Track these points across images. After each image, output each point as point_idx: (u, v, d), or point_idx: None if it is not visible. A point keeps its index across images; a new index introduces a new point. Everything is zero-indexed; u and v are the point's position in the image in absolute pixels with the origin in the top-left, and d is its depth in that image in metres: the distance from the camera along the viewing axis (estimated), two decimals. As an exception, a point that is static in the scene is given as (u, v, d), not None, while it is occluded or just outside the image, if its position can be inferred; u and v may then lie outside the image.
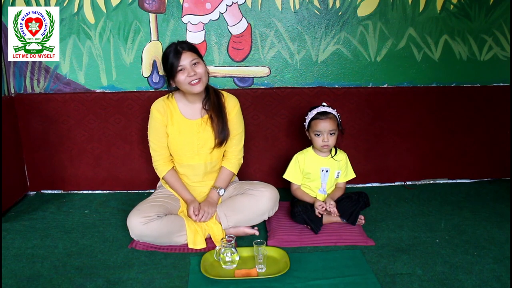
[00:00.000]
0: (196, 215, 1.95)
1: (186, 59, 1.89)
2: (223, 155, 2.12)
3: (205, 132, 2.02)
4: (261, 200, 1.99)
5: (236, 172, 2.13)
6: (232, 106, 2.06)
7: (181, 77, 1.90)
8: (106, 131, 2.52)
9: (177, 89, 2.03)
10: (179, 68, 1.89)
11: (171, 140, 2.03)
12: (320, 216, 2.03)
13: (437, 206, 2.35)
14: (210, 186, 2.10)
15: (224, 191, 2.08)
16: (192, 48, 1.94)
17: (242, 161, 2.14)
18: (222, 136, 2.01)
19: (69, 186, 2.61)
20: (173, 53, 1.89)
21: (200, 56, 1.96)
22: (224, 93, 2.10)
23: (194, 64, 1.91)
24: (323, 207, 2.01)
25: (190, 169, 2.06)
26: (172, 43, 1.95)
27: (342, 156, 2.15)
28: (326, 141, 2.03)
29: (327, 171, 2.11)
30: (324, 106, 2.08)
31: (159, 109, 2.01)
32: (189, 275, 1.69)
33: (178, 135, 2.01)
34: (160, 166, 2.05)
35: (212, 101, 2.01)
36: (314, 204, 2.03)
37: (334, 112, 2.07)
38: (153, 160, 2.07)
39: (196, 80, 1.91)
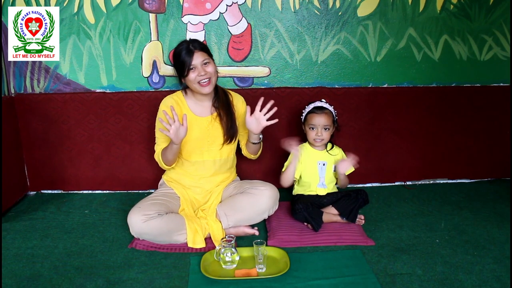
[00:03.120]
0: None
1: (197, 59, 1.94)
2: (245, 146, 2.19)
3: (214, 129, 2.06)
4: (261, 199, 1.99)
5: (259, 151, 2.19)
6: (241, 105, 2.15)
7: (192, 76, 1.95)
8: (106, 131, 2.52)
9: (185, 88, 2.08)
10: (191, 67, 1.94)
11: None
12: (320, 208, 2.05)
13: (437, 206, 2.36)
14: (217, 183, 2.12)
15: (261, 138, 2.11)
16: (203, 47, 1.99)
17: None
18: (231, 132, 2.07)
19: (69, 186, 2.61)
20: (185, 51, 1.94)
21: (210, 56, 2.01)
22: (232, 92, 2.17)
23: (205, 64, 1.96)
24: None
25: (200, 165, 2.08)
26: (184, 41, 2.00)
27: (337, 151, 2.20)
28: (319, 135, 2.10)
29: (324, 164, 2.14)
30: (322, 101, 2.15)
31: (167, 104, 2.03)
32: (189, 275, 1.69)
33: (188, 132, 2.00)
34: (158, 152, 2.05)
35: (221, 98, 2.08)
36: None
37: (331, 108, 2.13)
38: (155, 154, 2.08)
39: (206, 81, 1.97)
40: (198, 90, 2.00)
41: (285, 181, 2.14)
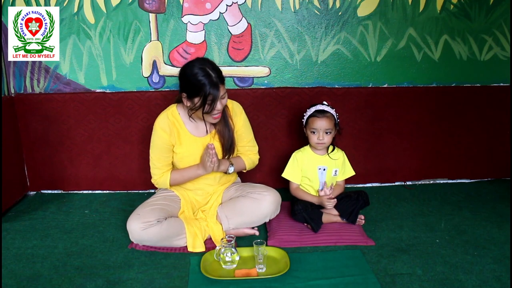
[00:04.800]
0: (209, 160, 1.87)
1: (220, 92, 1.82)
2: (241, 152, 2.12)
3: None
4: (263, 204, 1.98)
5: (247, 167, 2.10)
6: (239, 114, 2.05)
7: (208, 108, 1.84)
8: (106, 131, 2.52)
9: (180, 101, 1.97)
10: (214, 105, 1.82)
11: (179, 159, 1.99)
12: (326, 207, 2.06)
13: (437, 206, 2.35)
14: (219, 185, 2.10)
15: (233, 170, 2.02)
16: (222, 78, 1.86)
17: (257, 162, 2.15)
18: (230, 150, 2.01)
19: (69, 186, 2.61)
20: (210, 86, 1.78)
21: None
22: (229, 101, 2.02)
23: (223, 98, 1.86)
24: (328, 197, 2.04)
25: (201, 180, 2.05)
26: (200, 64, 1.83)
27: (339, 154, 2.16)
28: (321, 139, 2.06)
29: (324, 169, 2.12)
30: (323, 104, 2.10)
31: (164, 128, 1.93)
32: (189, 275, 1.69)
33: (187, 154, 1.97)
34: (160, 179, 1.99)
35: None
36: (320, 200, 2.06)
37: (332, 111, 2.09)
38: (153, 177, 2.01)
39: (218, 114, 1.89)
40: (208, 120, 1.92)
41: (295, 194, 2.16)
